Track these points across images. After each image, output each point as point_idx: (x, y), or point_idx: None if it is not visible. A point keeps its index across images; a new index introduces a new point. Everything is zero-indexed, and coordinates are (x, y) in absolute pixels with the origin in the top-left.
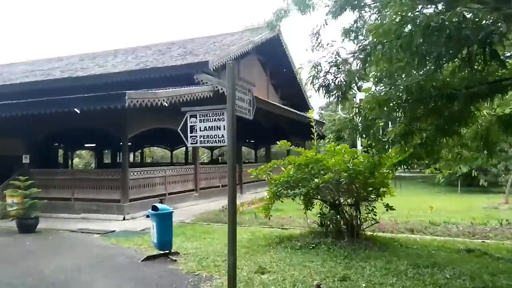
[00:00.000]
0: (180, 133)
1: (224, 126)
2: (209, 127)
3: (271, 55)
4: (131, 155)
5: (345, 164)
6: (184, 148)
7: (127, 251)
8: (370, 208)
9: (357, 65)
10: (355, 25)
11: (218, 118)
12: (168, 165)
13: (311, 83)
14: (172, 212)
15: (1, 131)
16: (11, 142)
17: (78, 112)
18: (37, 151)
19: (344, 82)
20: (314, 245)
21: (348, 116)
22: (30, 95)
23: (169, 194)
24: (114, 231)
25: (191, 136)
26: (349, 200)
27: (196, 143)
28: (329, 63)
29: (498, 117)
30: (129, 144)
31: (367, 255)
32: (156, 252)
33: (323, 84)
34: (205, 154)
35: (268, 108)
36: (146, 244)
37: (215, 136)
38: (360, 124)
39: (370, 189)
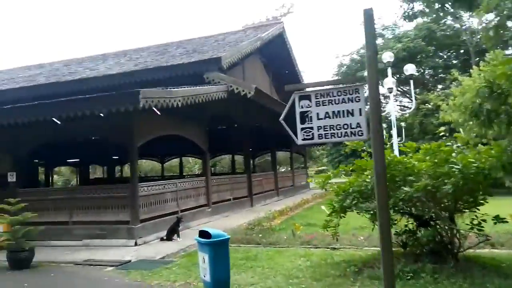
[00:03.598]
0: (284, 124)
1: (360, 110)
2: (335, 112)
3: (274, 56)
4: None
5: (449, 167)
6: (177, 159)
7: None
8: (474, 222)
9: None
10: None
11: (349, 99)
12: (173, 178)
13: None
14: (229, 238)
15: None
16: None
17: (72, 116)
18: (22, 168)
19: None
20: (411, 274)
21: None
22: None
23: (182, 211)
24: (130, 261)
25: (303, 129)
26: (442, 213)
27: (312, 138)
28: None
29: None
30: (116, 157)
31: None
32: None
33: None
34: (197, 165)
35: (276, 107)
36: (181, 278)
37: (346, 126)
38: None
39: (468, 197)
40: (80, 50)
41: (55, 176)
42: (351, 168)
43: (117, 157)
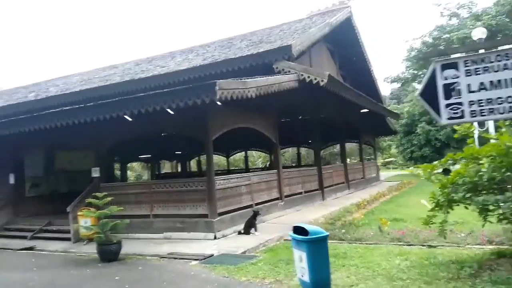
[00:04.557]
0: (422, 101)
1: None
2: (493, 83)
3: (341, 43)
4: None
5: None
6: (240, 153)
7: None
8: None
9: None
10: None
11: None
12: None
13: None
14: (328, 235)
15: (66, 143)
16: (75, 155)
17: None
18: (103, 164)
19: None
20: None
21: None
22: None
23: (255, 204)
24: (212, 255)
25: (448, 105)
26: None
27: (462, 116)
28: None
29: None
30: (178, 153)
31: None
32: None
33: None
34: (260, 158)
35: (349, 96)
36: (270, 275)
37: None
38: None
39: None
40: (144, 51)
41: (128, 172)
42: (460, 156)
43: (185, 152)
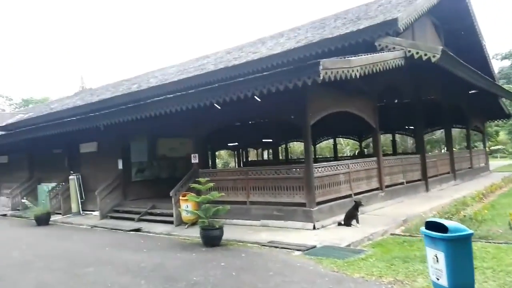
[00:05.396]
0: None
1: None
2: None
3: (448, 16)
4: (265, 152)
5: None
6: (331, 140)
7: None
8: None
9: None
10: None
11: None
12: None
13: None
14: (472, 234)
15: (166, 131)
16: (174, 142)
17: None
18: (201, 150)
19: None
20: None
21: None
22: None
23: (354, 194)
24: (315, 246)
25: None
26: None
27: None
28: None
29: None
30: (267, 140)
31: None
32: None
33: None
34: (348, 146)
35: (463, 74)
36: (387, 274)
37: None
38: None
39: None
40: (218, 43)
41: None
42: None
43: (274, 140)
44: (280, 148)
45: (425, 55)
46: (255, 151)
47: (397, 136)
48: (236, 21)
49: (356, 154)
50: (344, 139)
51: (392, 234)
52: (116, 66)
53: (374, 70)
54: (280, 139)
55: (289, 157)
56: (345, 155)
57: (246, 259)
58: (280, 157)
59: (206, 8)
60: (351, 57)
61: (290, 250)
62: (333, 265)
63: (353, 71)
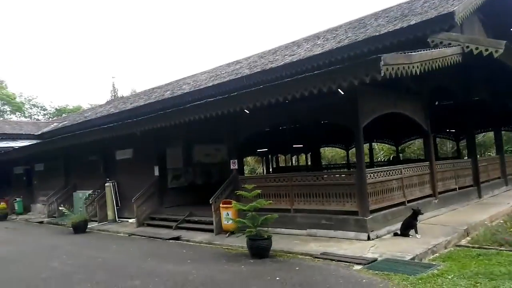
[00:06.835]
0: None
1: None
2: None
3: (497, 11)
4: (293, 158)
5: None
6: (366, 145)
7: None
8: None
9: None
10: None
11: None
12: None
13: None
14: None
15: (201, 136)
16: (209, 148)
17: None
18: (237, 156)
19: None
20: None
21: None
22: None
23: (408, 201)
24: (376, 259)
25: None
26: None
27: None
28: None
29: None
30: (300, 146)
31: None
32: None
33: None
34: (382, 151)
35: None
36: None
37: None
38: None
39: None
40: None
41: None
42: None
43: (301, 145)
44: (308, 154)
45: (486, 50)
46: (283, 156)
47: (438, 139)
48: (249, 29)
49: (391, 159)
50: (378, 143)
51: (458, 246)
52: (142, 74)
53: (433, 67)
54: (312, 144)
55: (321, 163)
56: (378, 160)
57: (303, 273)
58: (308, 163)
59: (215, 17)
60: (411, 52)
61: (348, 264)
62: (405, 282)
63: (413, 67)
